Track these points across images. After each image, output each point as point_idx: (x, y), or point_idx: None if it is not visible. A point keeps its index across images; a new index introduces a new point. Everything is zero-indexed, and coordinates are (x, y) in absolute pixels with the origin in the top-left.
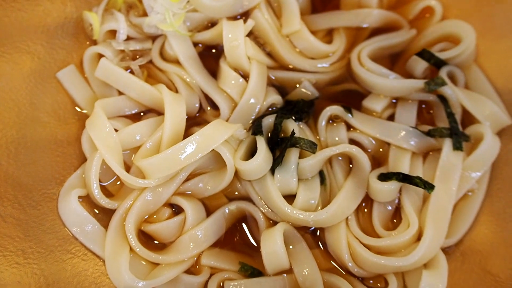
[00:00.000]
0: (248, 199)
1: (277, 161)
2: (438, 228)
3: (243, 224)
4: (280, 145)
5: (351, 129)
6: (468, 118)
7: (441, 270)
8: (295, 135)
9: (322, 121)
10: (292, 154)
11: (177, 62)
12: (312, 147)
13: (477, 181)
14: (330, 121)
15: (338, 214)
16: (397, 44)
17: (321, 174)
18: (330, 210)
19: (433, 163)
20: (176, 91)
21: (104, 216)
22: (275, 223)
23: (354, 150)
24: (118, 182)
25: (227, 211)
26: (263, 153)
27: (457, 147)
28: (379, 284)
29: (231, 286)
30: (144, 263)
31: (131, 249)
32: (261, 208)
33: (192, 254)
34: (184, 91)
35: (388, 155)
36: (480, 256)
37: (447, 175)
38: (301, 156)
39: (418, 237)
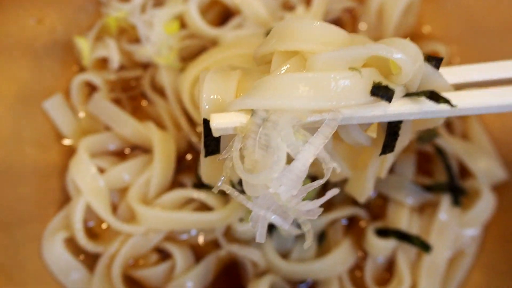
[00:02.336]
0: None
1: None
2: (430, 285)
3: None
4: None
5: None
6: (465, 169)
7: None
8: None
9: None
10: None
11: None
12: None
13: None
14: None
15: (335, 267)
16: None
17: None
18: (326, 262)
19: (429, 217)
20: (164, 129)
21: (90, 256)
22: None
23: None
24: (104, 224)
25: (217, 257)
26: None
27: (455, 203)
28: None
29: None
30: None
31: None
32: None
33: None
34: (173, 130)
35: (386, 208)
36: None
37: (443, 231)
38: None
39: None
